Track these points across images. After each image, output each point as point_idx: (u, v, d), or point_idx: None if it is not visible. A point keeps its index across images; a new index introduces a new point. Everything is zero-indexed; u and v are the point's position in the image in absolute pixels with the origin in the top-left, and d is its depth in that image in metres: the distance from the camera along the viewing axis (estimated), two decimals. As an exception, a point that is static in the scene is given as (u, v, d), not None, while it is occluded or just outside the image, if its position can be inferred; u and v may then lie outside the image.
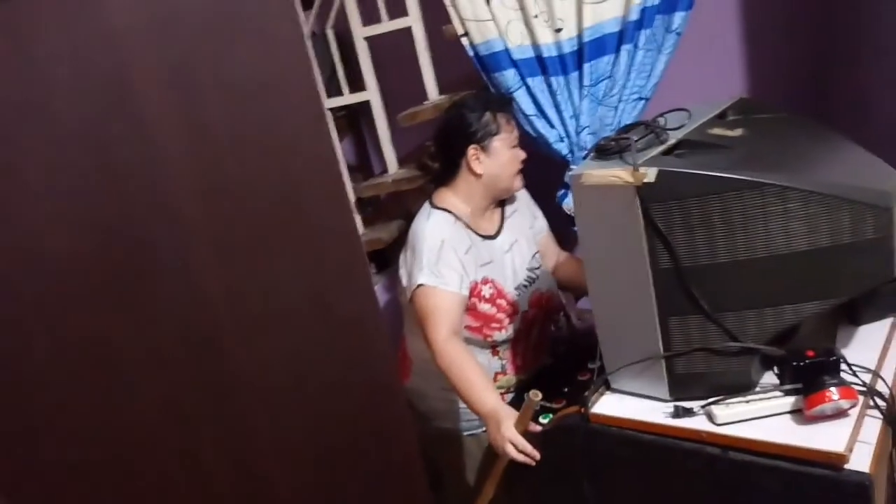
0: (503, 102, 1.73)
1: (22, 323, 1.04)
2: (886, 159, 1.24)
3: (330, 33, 2.05)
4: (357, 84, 1.99)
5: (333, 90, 2.04)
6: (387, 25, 1.94)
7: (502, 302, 1.70)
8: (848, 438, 1.07)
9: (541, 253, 1.86)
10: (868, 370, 1.17)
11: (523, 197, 1.83)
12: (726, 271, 1.12)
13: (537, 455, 1.34)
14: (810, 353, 1.14)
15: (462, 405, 1.70)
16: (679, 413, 1.20)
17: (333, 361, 1.23)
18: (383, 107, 2.00)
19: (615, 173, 1.13)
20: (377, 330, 1.27)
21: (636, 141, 1.18)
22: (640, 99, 1.83)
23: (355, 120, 2.35)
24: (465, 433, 1.78)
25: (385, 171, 2.06)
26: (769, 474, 1.10)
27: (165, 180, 1.07)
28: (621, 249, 1.17)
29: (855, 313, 1.32)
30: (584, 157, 1.73)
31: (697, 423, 1.19)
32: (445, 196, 1.72)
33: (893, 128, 1.57)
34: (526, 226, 1.83)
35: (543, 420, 1.40)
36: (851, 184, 1.09)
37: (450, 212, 1.69)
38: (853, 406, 1.09)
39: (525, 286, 1.76)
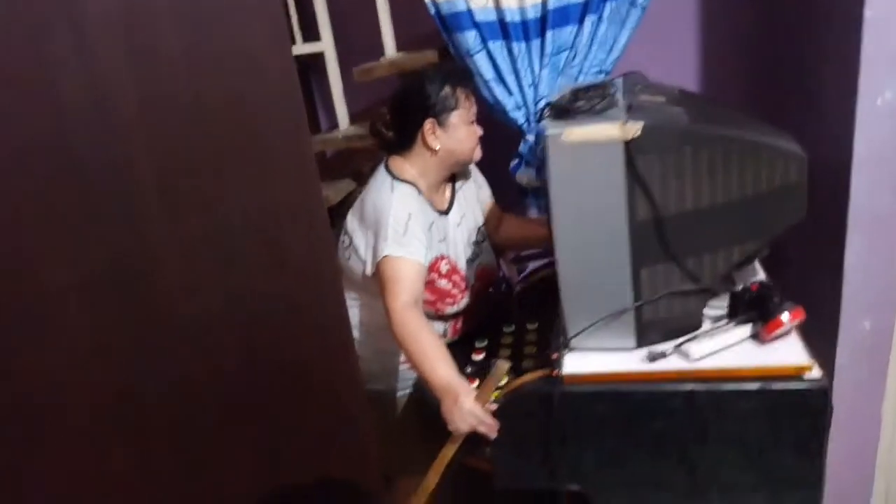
0: (464, 76, 1.75)
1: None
2: (832, 152, 1.51)
3: (285, -23, 1.90)
4: (311, 34, 1.86)
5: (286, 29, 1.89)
6: (347, -26, 1.83)
7: (456, 277, 1.74)
8: (804, 351, 1.26)
9: (488, 220, 1.91)
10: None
11: (471, 168, 1.88)
12: (691, 219, 1.26)
13: (497, 427, 1.36)
14: (754, 287, 1.34)
15: (401, 366, 1.76)
16: (655, 357, 1.30)
17: (284, 310, 1.15)
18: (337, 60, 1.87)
19: (602, 129, 1.20)
20: (333, 280, 1.18)
21: (602, 101, 1.27)
22: (601, 72, 1.87)
23: (304, 74, 2.21)
24: (399, 392, 1.82)
25: (334, 126, 1.94)
26: (741, 397, 1.25)
27: (106, 98, 0.99)
28: (599, 205, 1.25)
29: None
30: (539, 120, 1.66)
31: (672, 363, 1.29)
32: (404, 167, 1.72)
33: (839, 121, 1.65)
34: (473, 199, 1.88)
35: None
36: (780, 139, 1.31)
37: (413, 185, 1.69)
38: (798, 324, 1.29)
39: (472, 260, 1.81)
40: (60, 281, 1.00)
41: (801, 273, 1.83)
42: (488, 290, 1.89)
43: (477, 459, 1.47)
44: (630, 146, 1.19)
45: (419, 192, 1.69)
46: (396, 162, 1.72)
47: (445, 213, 1.77)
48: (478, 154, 1.75)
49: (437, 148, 1.67)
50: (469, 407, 1.36)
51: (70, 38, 0.94)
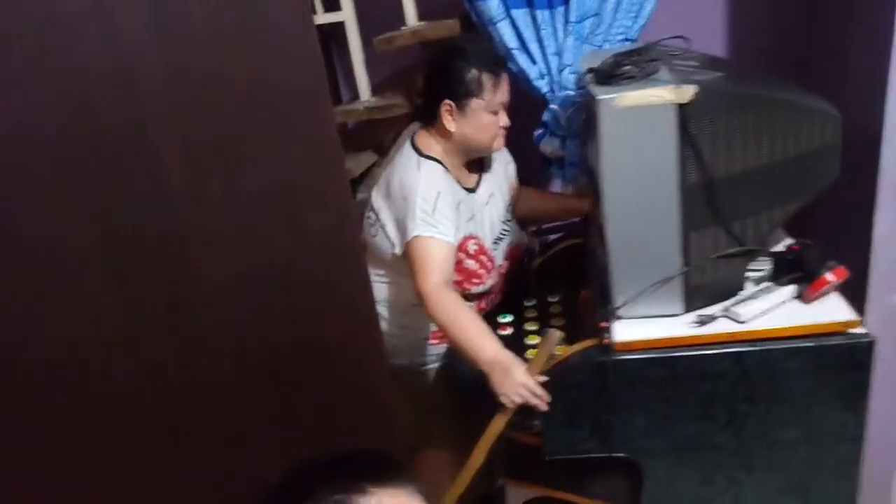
0: (498, 62, 1.69)
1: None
2: (863, 120, 1.53)
3: (304, -55, 1.86)
4: (332, 4, 1.83)
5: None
6: (367, -58, 1.79)
7: (484, 258, 1.73)
8: (849, 308, 1.31)
9: (514, 196, 1.89)
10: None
11: None
12: (739, 181, 1.28)
13: (548, 398, 1.36)
14: (795, 248, 1.37)
15: (425, 340, 1.74)
16: (705, 321, 1.32)
17: (304, 280, 1.18)
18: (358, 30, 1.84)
19: (656, 93, 1.21)
20: (353, 252, 1.19)
21: (646, 65, 1.27)
22: (626, 40, 1.87)
23: (325, 44, 2.18)
24: (425, 367, 1.81)
25: (356, 97, 1.92)
26: (790, 355, 1.28)
27: (131, 69, 1.01)
28: (650, 169, 1.26)
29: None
30: (581, 86, 1.61)
31: (722, 326, 1.32)
32: (429, 143, 1.70)
33: (869, 91, 1.63)
34: (501, 176, 1.86)
35: None
36: (814, 100, 1.36)
37: (439, 162, 1.66)
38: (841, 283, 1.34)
39: (500, 240, 1.80)
40: (84, 245, 1.02)
41: (829, 243, 1.79)
42: (515, 268, 1.88)
43: (523, 434, 1.48)
44: (683, 109, 1.21)
45: (446, 169, 1.67)
46: (422, 137, 1.70)
47: (473, 191, 1.75)
48: (498, 144, 1.71)
49: (452, 131, 1.64)
50: (521, 379, 1.34)
51: (93, 15, 0.94)
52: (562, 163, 1.97)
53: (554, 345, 1.37)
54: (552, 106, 1.91)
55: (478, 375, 1.40)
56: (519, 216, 1.94)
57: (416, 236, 1.55)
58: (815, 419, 1.32)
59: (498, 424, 1.40)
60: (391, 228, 1.65)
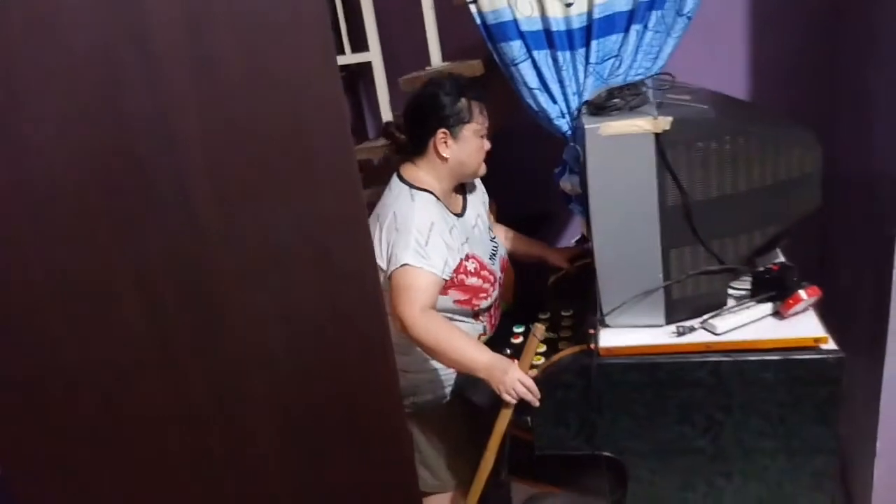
0: (480, 90, 1.91)
1: (13, 248, 1.01)
2: (889, 160, 1.64)
3: (334, -10, 2.05)
4: (359, 45, 1.98)
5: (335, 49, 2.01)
6: (394, -14, 1.95)
7: (485, 273, 1.91)
8: (821, 326, 1.44)
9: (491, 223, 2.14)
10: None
11: (476, 181, 2.09)
12: (717, 205, 1.45)
13: (539, 394, 1.56)
14: (775, 268, 1.51)
15: (446, 372, 1.73)
16: (683, 332, 1.49)
17: (329, 314, 1.30)
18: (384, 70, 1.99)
19: (635, 123, 1.39)
20: (375, 287, 1.30)
21: (636, 98, 1.47)
22: None
23: (353, 83, 2.34)
24: (446, 401, 1.94)
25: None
26: (763, 367, 1.43)
27: (170, 111, 1.17)
28: (631, 192, 1.46)
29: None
30: (575, 118, 1.90)
31: (699, 337, 1.49)
32: (417, 174, 1.89)
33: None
34: (479, 201, 2.08)
35: None
36: (797, 132, 1.51)
37: (431, 192, 1.86)
38: (815, 302, 1.48)
39: (494, 254, 2.00)
40: (120, 276, 1.14)
41: (854, 277, 1.85)
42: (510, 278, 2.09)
43: (521, 431, 1.66)
44: (660, 138, 1.40)
45: (437, 198, 1.86)
46: (409, 170, 1.90)
47: (461, 214, 1.95)
48: (482, 170, 1.92)
49: (448, 157, 1.84)
50: (518, 375, 1.56)
51: (134, 58, 1.06)
52: (581, 199, 2.07)
53: (540, 338, 1.56)
54: (572, 144, 2.02)
55: (493, 398, 1.58)
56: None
57: (406, 264, 1.69)
58: (790, 431, 1.47)
59: (503, 420, 1.60)
60: (382, 261, 1.74)
